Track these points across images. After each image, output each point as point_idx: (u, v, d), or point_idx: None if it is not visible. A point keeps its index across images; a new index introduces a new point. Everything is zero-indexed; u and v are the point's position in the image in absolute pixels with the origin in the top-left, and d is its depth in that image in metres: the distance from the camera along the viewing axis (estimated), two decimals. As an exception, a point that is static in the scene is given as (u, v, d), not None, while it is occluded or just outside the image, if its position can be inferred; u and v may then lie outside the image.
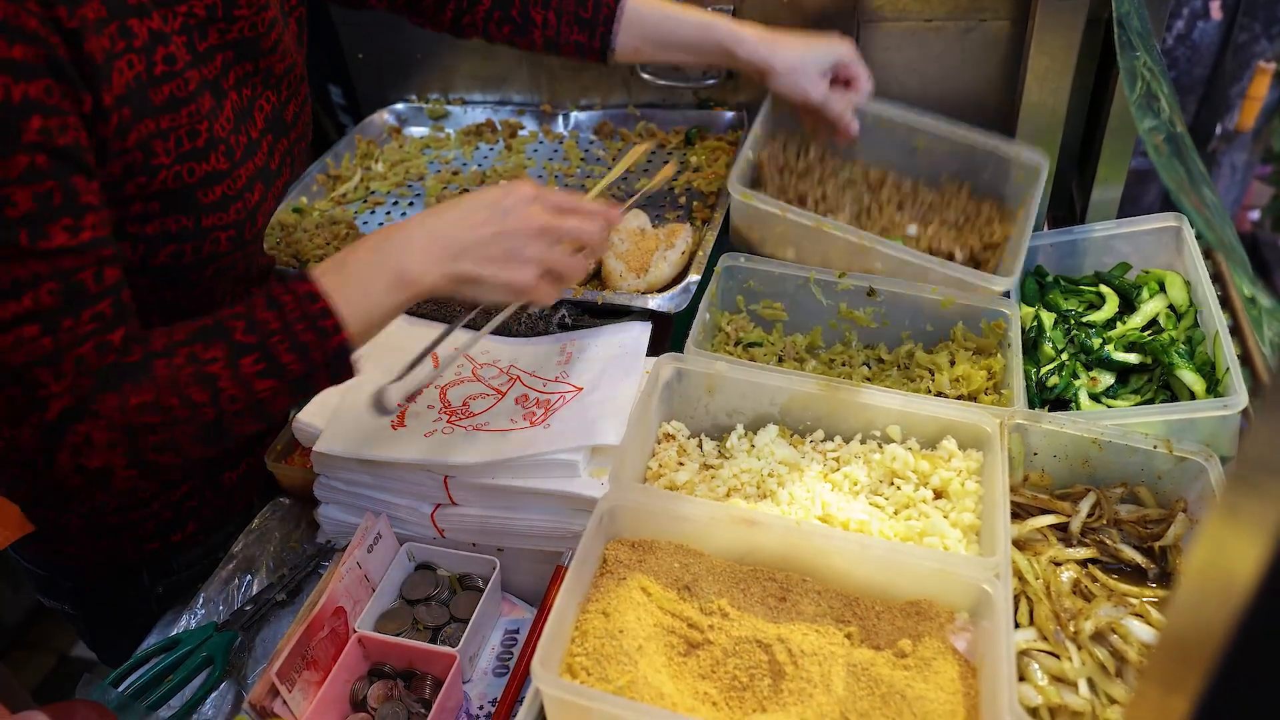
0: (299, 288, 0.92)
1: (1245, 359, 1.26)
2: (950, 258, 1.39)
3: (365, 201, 1.70)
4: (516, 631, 1.14)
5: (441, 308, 1.36)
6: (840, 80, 1.42)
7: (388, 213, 1.68)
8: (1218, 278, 1.31)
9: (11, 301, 0.82)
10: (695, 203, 1.57)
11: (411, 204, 1.70)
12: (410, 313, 1.33)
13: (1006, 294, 1.28)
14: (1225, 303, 1.27)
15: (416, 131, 1.91)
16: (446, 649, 1.04)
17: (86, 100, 0.85)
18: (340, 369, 0.95)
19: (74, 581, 1.30)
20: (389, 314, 0.97)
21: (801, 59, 1.36)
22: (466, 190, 1.69)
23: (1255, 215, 3.22)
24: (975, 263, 1.40)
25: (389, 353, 1.26)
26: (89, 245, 0.85)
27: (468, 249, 0.97)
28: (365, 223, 1.65)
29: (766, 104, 1.49)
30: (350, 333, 0.93)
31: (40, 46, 0.79)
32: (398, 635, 1.07)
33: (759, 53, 1.35)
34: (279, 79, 1.10)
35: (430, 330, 1.18)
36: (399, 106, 1.93)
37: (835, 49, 1.39)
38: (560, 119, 1.85)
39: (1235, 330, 1.23)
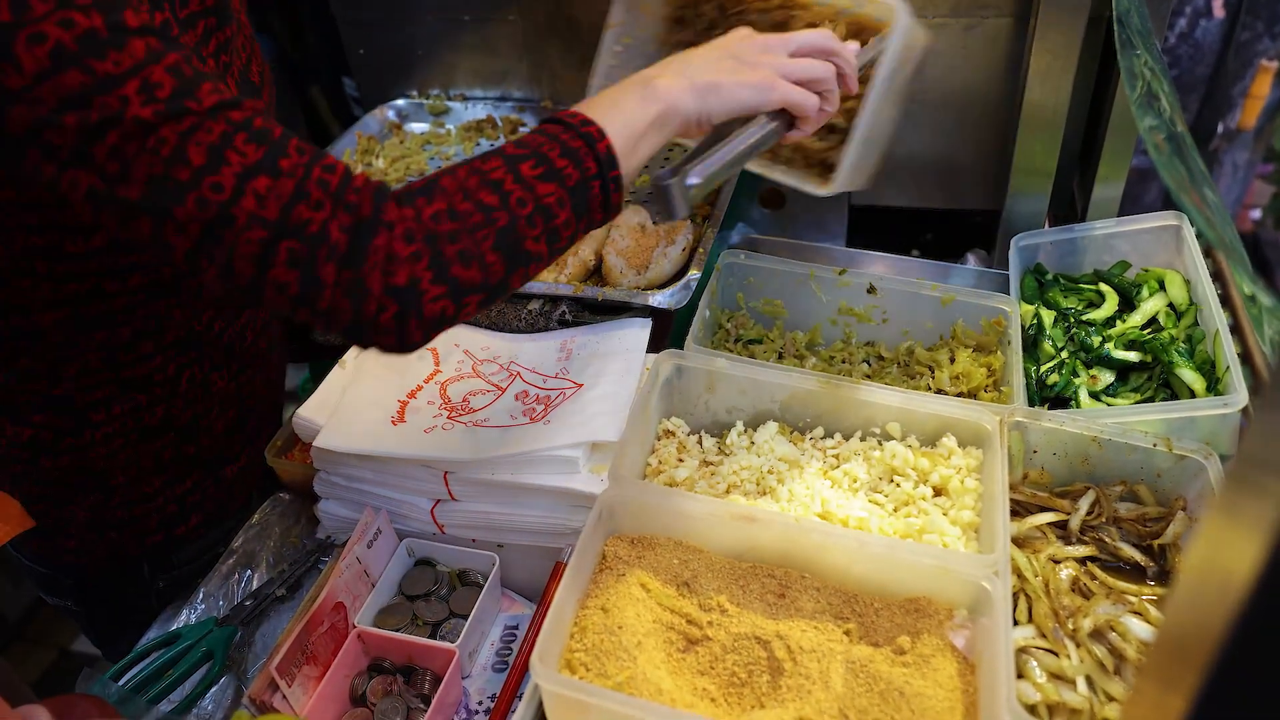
0: (557, 113, 0.94)
1: (1245, 357, 1.26)
2: None
3: (366, 197, 1.70)
4: (516, 627, 1.15)
5: (517, 309, 1.32)
6: None
7: (388, 208, 1.68)
8: (1217, 276, 1.31)
9: (224, 166, 0.80)
10: (696, 199, 1.57)
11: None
12: (475, 324, 1.33)
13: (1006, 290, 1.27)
14: (1225, 301, 1.27)
15: (417, 128, 1.91)
16: (446, 644, 1.04)
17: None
18: (611, 182, 0.93)
19: (75, 578, 1.30)
20: (645, 128, 0.95)
21: None
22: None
23: (1257, 214, 3.23)
24: None
25: (394, 372, 1.27)
26: (239, 99, 0.83)
27: (700, 63, 0.99)
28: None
29: None
30: (614, 141, 0.93)
31: None
32: (397, 630, 1.07)
33: None
34: (237, 42, 1.10)
35: None
36: (400, 103, 1.93)
37: None
38: (561, 115, 1.85)
39: (1235, 329, 1.23)
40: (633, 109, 0.94)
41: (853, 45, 1.08)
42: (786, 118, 1.03)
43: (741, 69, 0.99)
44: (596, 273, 1.42)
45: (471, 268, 0.87)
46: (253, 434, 1.33)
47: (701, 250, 1.41)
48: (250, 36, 1.14)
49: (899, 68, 1.13)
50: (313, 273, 0.82)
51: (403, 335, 0.86)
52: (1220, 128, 2.76)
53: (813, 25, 1.19)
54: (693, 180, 0.96)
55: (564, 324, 1.36)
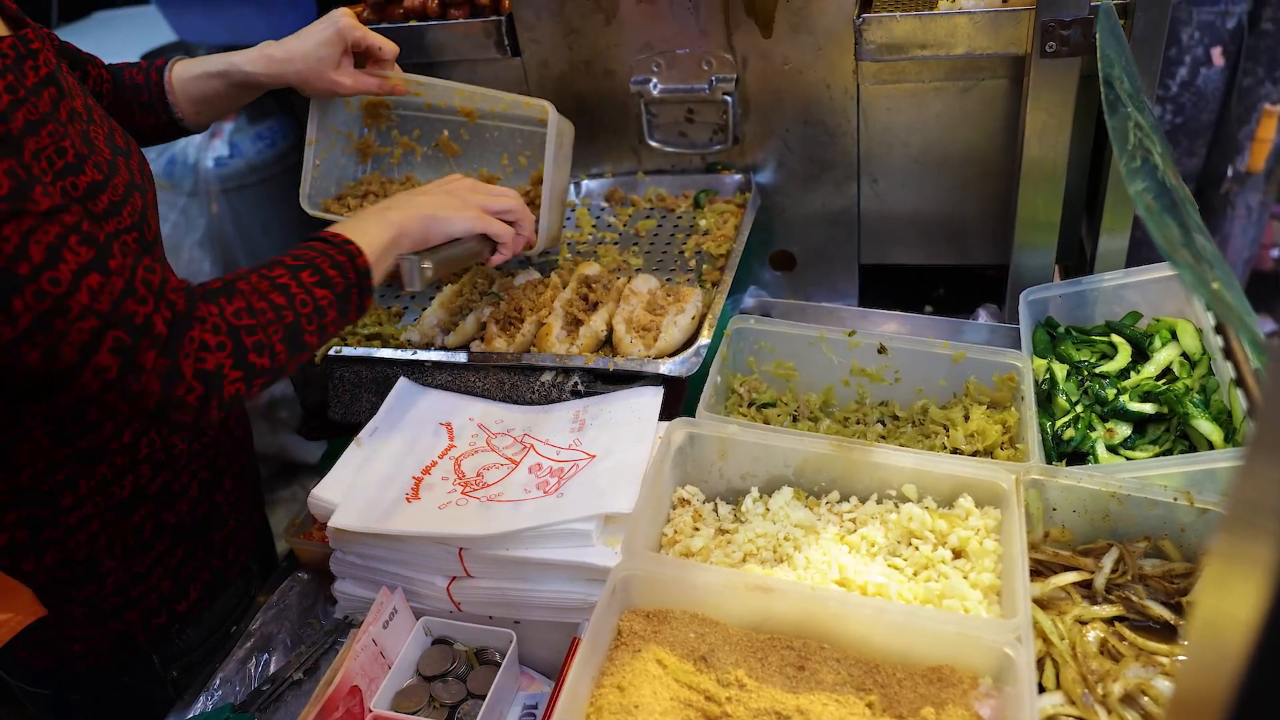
0: (319, 233, 1.16)
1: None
2: None
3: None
4: (535, 706, 1.13)
5: (530, 382, 1.41)
6: (362, 53, 1.48)
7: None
8: (1219, 328, 1.30)
9: (60, 264, 0.90)
10: (705, 265, 1.59)
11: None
12: (490, 397, 1.41)
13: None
14: (1229, 353, 1.25)
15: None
16: (463, 726, 1.02)
17: None
18: (365, 290, 1.15)
19: (83, 692, 1.29)
20: (384, 248, 1.18)
21: (312, 67, 1.43)
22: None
23: (1277, 253, 3.24)
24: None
25: (408, 449, 1.28)
26: (69, 202, 0.94)
27: (425, 199, 1.28)
28: (381, 295, 1.68)
29: (311, 109, 1.59)
30: (368, 256, 1.15)
31: None
32: (414, 714, 1.06)
33: (275, 78, 1.43)
34: (89, 115, 1.14)
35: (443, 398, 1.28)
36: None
37: (334, 36, 1.43)
38: (572, 187, 1.89)
39: (1240, 381, 1.22)
40: (375, 234, 1.18)
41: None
42: (491, 242, 1.35)
43: (455, 204, 1.29)
44: (607, 343, 1.43)
45: (264, 356, 1.03)
46: (233, 494, 1.34)
47: (711, 317, 1.42)
48: (105, 114, 1.20)
49: (557, 151, 1.50)
50: (133, 359, 0.95)
51: (202, 414, 1.00)
52: (1230, 171, 2.77)
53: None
54: (426, 264, 1.23)
55: (576, 394, 1.37)
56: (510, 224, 1.35)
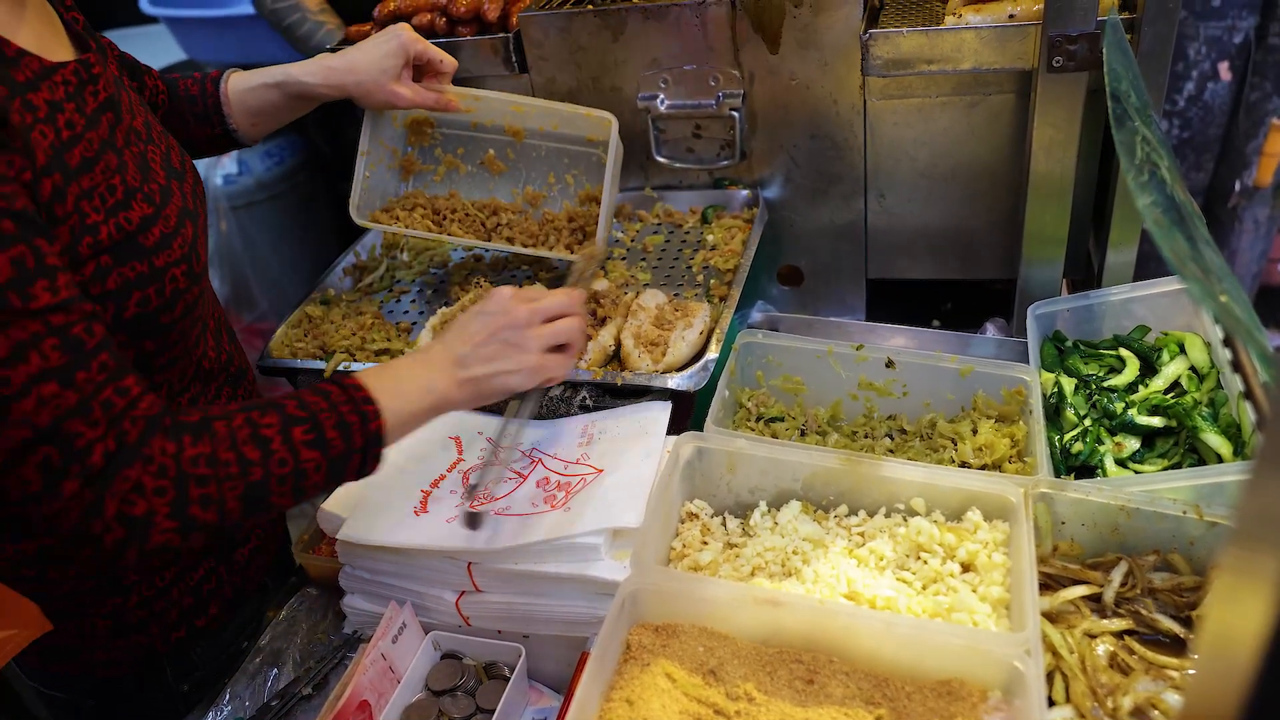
0: (344, 379, 1.03)
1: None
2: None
3: (391, 291, 1.74)
4: (543, 720, 1.13)
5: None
6: (422, 65, 1.51)
7: (413, 300, 1.72)
8: (1228, 341, 1.30)
9: (21, 365, 0.84)
10: (713, 280, 1.60)
11: (435, 291, 1.74)
12: (499, 412, 1.36)
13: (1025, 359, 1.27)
14: (1238, 366, 1.25)
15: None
16: (472, 741, 1.03)
17: (26, 168, 0.90)
18: (371, 457, 1.02)
19: (97, 698, 1.30)
20: (419, 414, 1.06)
21: (373, 77, 1.44)
22: (486, 276, 1.73)
23: (1285, 267, 3.23)
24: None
25: (417, 462, 1.28)
26: (71, 301, 0.89)
27: (471, 354, 1.10)
28: (390, 311, 1.69)
29: (365, 121, 1.61)
30: (386, 421, 1.01)
31: None
32: (423, 727, 1.06)
33: (334, 88, 1.44)
34: (149, 133, 1.15)
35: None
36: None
37: (397, 48, 1.45)
38: (579, 203, 1.90)
39: (1248, 394, 1.21)
40: (412, 397, 1.04)
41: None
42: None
43: (509, 353, 1.11)
44: (616, 357, 1.44)
45: (210, 511, 0.92)
46: None
47: (718, 331, 1.43)
48: (163, 132, 1.21)
49: (617, 159, 1.53)
50: (56, 482, 0.86)
51: (118, 555, 0.90)
52: (1237, 185, 2.77)
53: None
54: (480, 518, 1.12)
55: (585, 409, 1.37)
56: (564, 346, 1.17)
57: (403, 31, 1.46)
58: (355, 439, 0.99)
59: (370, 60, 1.44)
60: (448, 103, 1.53)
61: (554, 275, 1.69)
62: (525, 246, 1.61)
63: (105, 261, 1.00)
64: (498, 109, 1.63)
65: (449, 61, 1.51)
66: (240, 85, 1.44)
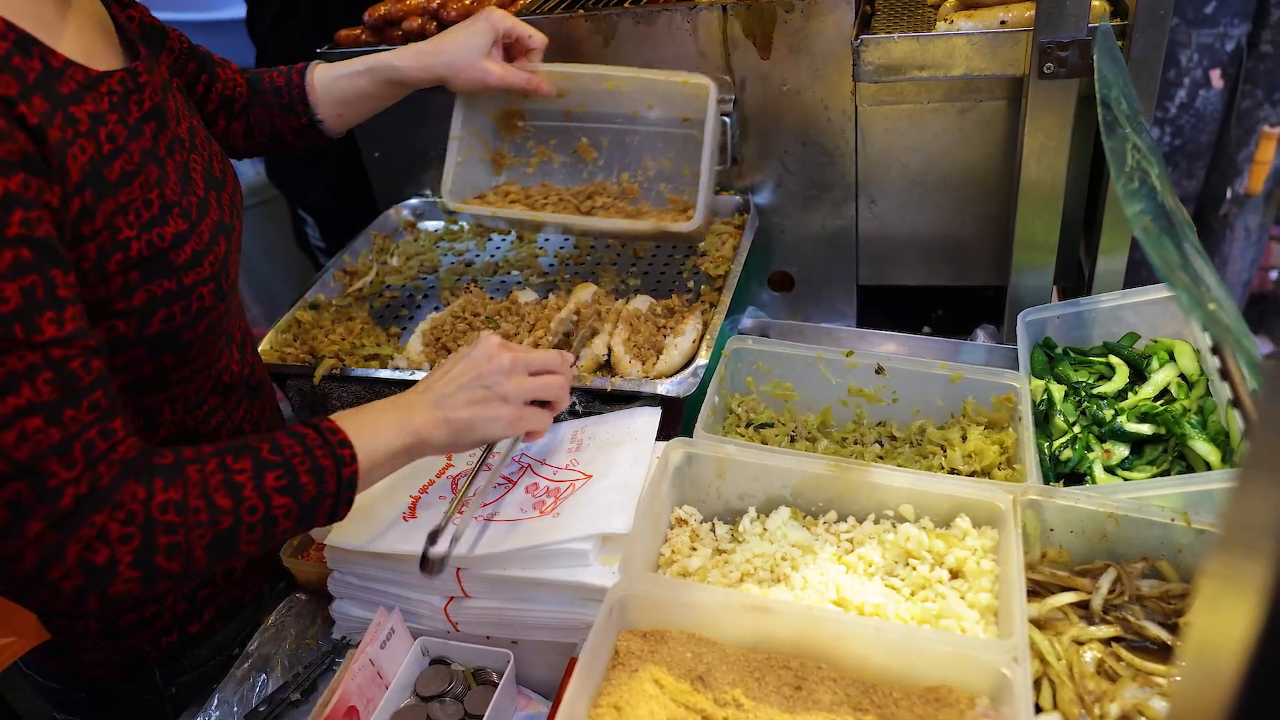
0: (319, 422, 1.01)
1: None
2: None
3: (381, 296, 1.74)
4: (532, 726, 1.13)
5: None
6: (511, 45, 1.51)
7: (403, 306, 1.71)
8: (1216, 349, 1.31)
9: (10, 396, 0.82)
10: (703, 286, 1.60)
11: (426, 296, 1.73)
12: None
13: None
14: (1226, 374, 1.25)
15: (431, 225, 1.96)
16: (459, 747, 1.02)
17: (56, 191, 0.89)
18: (344, 501, 1.02)
19: (88, 692, 1.29)
20: (394, 455, 1.06)
21: (463, 56, 1.44)
22: (476, 281, 1.73)
23: (1276, 275, 3.24)
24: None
25: (407, 467, 1.27)
26: (74, 335, 0.87)
27: (452, 396, 1.10)
28: (380, 315, 1.68)
29: (457, 105, 1.60)
30: (361, 465, 1.01)
31: (12, 142, 0.84)
32: (411, 734, 1.06)
33: (425, 71, 1.44)
34: (192, 140, 1.15)
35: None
36: (414, 201, 1.99)
37: (486, 28, 1.45)
38: (570, 208, 1.90)
39: (1238, 402, 1.22)
40: (388, 437, 1.04)
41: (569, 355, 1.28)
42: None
43: (491, 402, 1.11)
44: (606, 364, 1.44)
45: (175, 560, 0.90)
46: None
47: (709, 337, 1.43)
48: (205, 138, 1.20)
49: (716, 127, 1.50)
50: (20, 522, 0.83)
51: (78, 603, 0.87)
52: (1229, 193, 2.78)
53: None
54: (439, 554, 1.06)
55: (574, 415, 1.37)
56: (547, 402, 1.18)
57: (492, 11, 1.46)
58: (328, 484, 0.98)
59: (458, 40, 1.44)
60: (537, 85, 1.51)
61: (574, 279, 1.67)
62: (623, 218, 1.58)
63: (133, 278, 0.98)
64: (589, 86, 1.59)
65: (538, 37, 1.50)
66: (327, 75, 1.44)
